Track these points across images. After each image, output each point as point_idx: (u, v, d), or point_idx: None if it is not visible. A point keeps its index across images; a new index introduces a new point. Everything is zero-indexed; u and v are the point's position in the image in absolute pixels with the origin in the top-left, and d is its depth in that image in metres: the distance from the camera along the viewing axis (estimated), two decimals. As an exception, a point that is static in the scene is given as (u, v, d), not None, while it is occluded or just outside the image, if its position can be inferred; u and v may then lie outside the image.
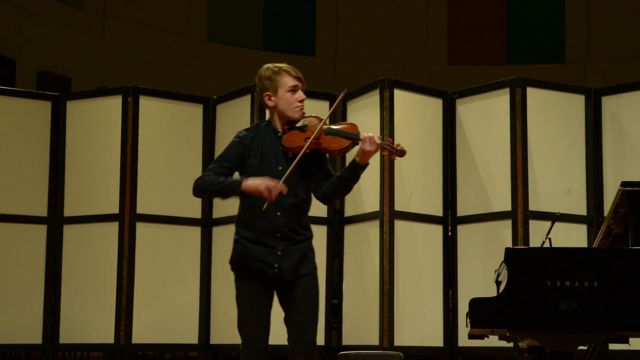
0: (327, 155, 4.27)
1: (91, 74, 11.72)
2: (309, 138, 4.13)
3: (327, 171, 4.26)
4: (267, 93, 4.24)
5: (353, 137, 4.13)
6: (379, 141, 4.09)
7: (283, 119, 4.24)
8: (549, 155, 6.83)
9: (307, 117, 4.25)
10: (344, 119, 7.10)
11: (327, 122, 4.21)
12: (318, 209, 6.97)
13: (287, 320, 4.20)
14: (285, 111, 4.22)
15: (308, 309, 4.20)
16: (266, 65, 4.29)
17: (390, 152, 4.14)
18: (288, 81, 4.23)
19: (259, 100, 4.34)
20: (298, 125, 4.22)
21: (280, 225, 4.15)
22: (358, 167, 4.13)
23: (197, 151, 7.30)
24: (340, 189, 4.18)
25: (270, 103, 4.24)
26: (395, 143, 4.16)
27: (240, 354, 4.19)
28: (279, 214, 4.14)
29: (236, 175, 4.24)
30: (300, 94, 4.23)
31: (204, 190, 4.15)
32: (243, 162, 4.20)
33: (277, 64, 4.28)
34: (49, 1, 11.67)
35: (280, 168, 4.16)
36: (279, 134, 4.23)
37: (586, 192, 6.88)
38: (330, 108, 7.13)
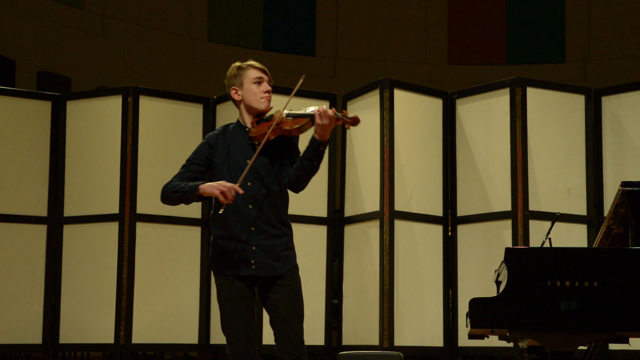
0: (296, 144, 4.26)
1: (91, 74, 11.72)
2: (271, 125, 4.13)
3: (293, 160, 4.22)
4: (233, 87, 4.28)
5: (308, 115, 4.11)
6: (332, 113, 4.06)
7: (251, 112, 4.26)
8: (549, 155, 6.83)
9: (274, 109, 4.27)
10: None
11: (288, 108, 4.19)
12: (318, 209, 7.00)
13: (271, 323, 4.18)
14: (251, 103, 4.24)
15: (291, 310, 4.15)
16: (233, 64, 4.34)
17: (345, 122, 4.10)
18: (252, 73, 4.26)
19: (229, 97, 4.34)
20: (265, 116, 4.24)
21: (253, 219, 4.14)
22: (317, 144, 4.08)
23: (197, 151, 7.29)
24: (304, 170, 4.11)
25: (237, 97, 4.28)
26: (351, 115, 4.14)
27: (227, 354, 4.18)
28: (250, 207, 4.14)
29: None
30: (265, 86, 4.26)
31: (167, 197, 4.21)
32: (211, 161, 4.23)
33: (244, 62, 4.32)
34: (49, 1, 11.67)
35: (248, 161, 4.16)
36: (247, 129, 4.25)
37: (586, 192, 6.89)
38: (330, 108, 7.13)
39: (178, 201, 4.20)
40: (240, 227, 4.14)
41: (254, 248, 4.14)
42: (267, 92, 4.26)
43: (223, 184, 4.04)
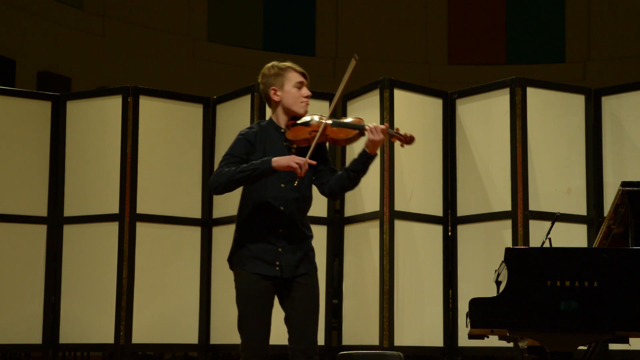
0: (328, 152, 4.28)
1: (91, 74, 11.72)
2: (314, 131, 4.13)
3: (331, 167, 4.28)
4: (273, 87, 4.26)
5: (359, 127, 4.15)
6: (386, 129, 4.10)
7: (288, 114, 4.26)
8: (549, 155, 6.83)
9: (310, 114, 4.27)
10: (344, 119, 7.10)
11: (331, 113, 4.22)
12: (318, 209, 6.99)
13: (287, 321, 4.19)
14: (291, 106, 4.24)
15: (308, 309, 4.19)
16: (270, 64, 4.32)
17: (399, 140, 4.16)
18: (295, 77, 4.26)
19: (263, 97, 4.33)
20: (301, 121, 4.23)
21: (283, 221, 4.14)
22: (368, 157, 4.13)
23: (197, 151, 7.30)
24: (350, 182, 4.17)
25: (276, 98, 4.26)
26: (403, 131, 4.18)
27: (240, 353, 4.18)
28: (282, 208, 4.15)
29: None
30: (305, 90, 4.27)
31: (229, 180, 4.07)
32: (248, 158, 4.19)
33: (282, 62, 4.32)
34: (49, 1, 11.67)
35: None
36: (282, 130, 4.24)
37: (586, 192, 6.89)
38: (330, 107, 7.14)
39: (243, 182, 4.09)
40: (268, 228, 4.14)
41: (280, 249, 4.15)
42: (307, 96, 4.27)
43: (295, 157, 4.03)
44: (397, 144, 4.26)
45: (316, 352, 4.17)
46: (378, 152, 4.21)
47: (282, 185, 4.14)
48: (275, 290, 4.20)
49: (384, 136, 4.10)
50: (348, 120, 4.23)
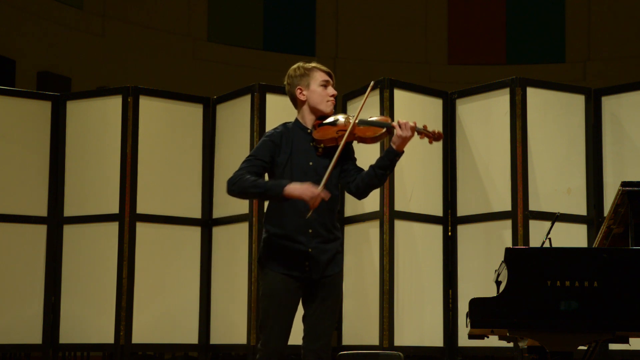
0: (354, 151, 4.29)
1: (91, 74, 11.72)
2: (342, 131, 4.14)
3: (357, 166, 4.27)
4: (299, 87, 4.27)
5: (386, 125, 4.15)
6: (414, 126, 4.09)
7: (314, 114, 4.26)
8: (549, 155, 6.83)
9: (337, 114, 4.28)
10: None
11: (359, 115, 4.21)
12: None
13: (305, 319, 4.18)
14: (318, 105, 4.25)
15: (328, 311, 4.17)
16: (296, 64, 4.34)
17: (427, 137, 4.16)
18: (320, 76, 4.28)
19: (289, 97, 4.33)
20: (328, 120, 4.23)
21: (312, 221, 4.12)
22: (395, 154, 4.13)
23: (197, 151, 7.30)
24: (377, 179, 4.17)
25: (302, 97, 4.27)
26: (430, 129, 4.17)
27: (258, 351, 4.18)
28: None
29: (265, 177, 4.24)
30: (331, 89, 4.29)
31: (243, 191, 4.10)
32: (274, 160, 4.19)
33: (308, 63, 4.34)
34: (49, 1, 11.67)
35: (310, 164, 4.17)
36: (309, 130, 4.24)
37: (586, 192, 6.89)
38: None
39: (255, 197, 4.14)
40: (298, 228, 4.13)
41: (310, 250, 4.14)
42: (332, 95, 4.28)
43: (311, 189, 4.00)
44: (431, 143, 4.24)
45: (328, 355, 4.16)
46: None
47: None
48: (302, 292, 4.19)
49: (413, 133, 4.10)
50: (374, 118, 4.23)
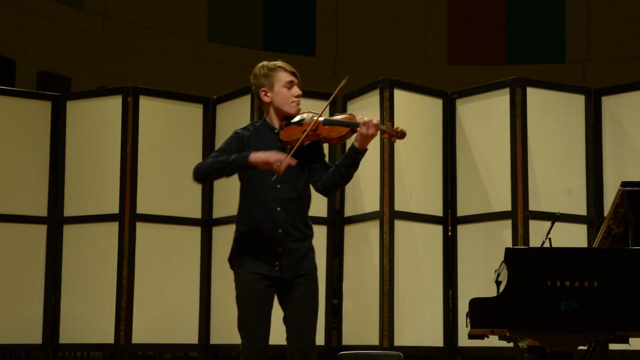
0: (324, 147, 4.26)
1: (91, 74, 11.72)
2: (307, 130, 4.12)
3: (325, 164, 4.24)
4: (263, 89, 4.24)
5: (351, 124, 4.12)
6: (377, 124, 4.07)
7: (279, 115, 4.24)
8: (549, 155, 6.83)
9: (303, 112, 4.25)
10: (344, 119, 7.09)
11: (324, 114, 4.18)
12: (318, 209, 6.99)
13: (286, 320, 4.18)
14: (282, 106, 4.22)
15: (307, 309, 4.18)
16: (261, 63, 4.30)
17: (391, 135, 4.13)
18: (284, 76, 4.24)
19: (256, 98, 4.32)
20: (295, 120, 4.21)
21: (281, 221, 4.12)
22: (357, 152, 4.09)
23: (197, 151, 7.30)
24: (341, 177, 4.14)
25: (266, 99, 4.25)
26: (395, 126, 4.15)
27: (240, 353, 4.18)
28: (279, 209, 4.13)
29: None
30: (296, 90, 4.25)
31: (208, 170, 4.09)
32: None
33: (272, 62, 4.28)
34: (49, 1, 11.67)
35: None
36: (276, 130, 4.22)
37: (586, 192, 6.89)
38: (330, 108, 7.14)
39: (219, 173, 4.09)
40: (267, 228, 4.12)
41: (279, 250, 4.13)
42: (297, 96, 4.24)
43: (276, 155, 3.99)
44: (394, 141, 4.22)
45: (314, 352, 4.16)
46: (376, 144, 4.18)
47: (279, 186, 4.13)
48: (276, 290, 4.19)
49: (376, 131, 4.07)
50: (339, 117, 4.19)
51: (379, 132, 4.10)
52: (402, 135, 4.11)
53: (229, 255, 4.27)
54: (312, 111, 4.25)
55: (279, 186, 4.12)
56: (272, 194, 4.12)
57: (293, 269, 4.16)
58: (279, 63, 4.27)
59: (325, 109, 4.14)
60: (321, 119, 4.14)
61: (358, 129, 4.08)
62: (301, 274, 4.18)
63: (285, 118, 4.23)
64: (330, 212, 7.11)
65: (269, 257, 4.13)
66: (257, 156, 4.02)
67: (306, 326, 4.15)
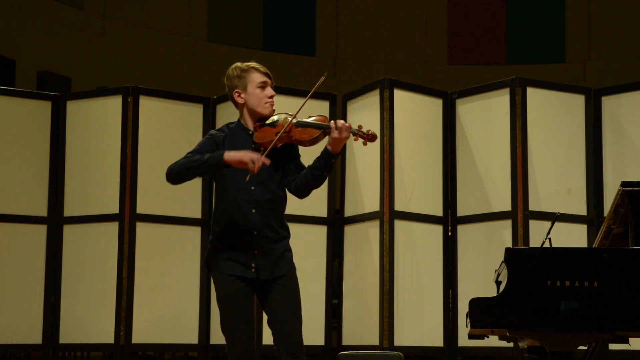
0: (298, 149, 4.26)
1: (91, 74, 11.72)
2: (279, 132, 4.11)
3: (299, 165, 4.23)
4: (236, 90, 4.23)
5: (323, 127, 4.11)
6: (349, 127, 4.06)
7: (253, 116, 4.23)
8: (549, 155, 6.83)
9: (278, 113, 4.24)
10: (344, 119, 7.10)
11: (297, 116, 4.16)
12: (318, 208, 7.00)
13: (270, 323, 4.16)
14: (255, 107, 4.21)
15: (290, 310, 4.14)
16: (234, 65, 4.29)
17: (362, 138, 4.13)
18: (257, 77, 4.22)
19: (230, 99, 4.31)
20: (268, 121, 4.20)
21: (256, 223, 4.11)
22: (330, 156, 4.08)
23: (197, 151, 7.29)
24: (313, 180, 4.12)
25: (240, 100, 4.24)
26: (365, 129, 4.15)
27: (227, 354, 4.17)
28: (254, 211, 4.11)
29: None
30: (269, 90, 4.24)
31: (182, 170, 4.10)
32: None
33: (245, 63, 4.28)
34: (49, 1, 11.67)
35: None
36: (250, 132, 4.22)
37: (586, 192, 6.89)
38: (330, 108, 7.14)
39: (193, 172, 4.10)
40: (242, 230, 4.11)
41: (255, 252, 4.12)
42: (271, 97, 4.23)
43: (250, 154, 3.98)
44: (365, 144, 4.21)
45: (302, 351, 4.14)
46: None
47: (253, 188, 4.11)
48: (254, 292, 4.17)
49: (348, 134, 4.06)
50: (312, 119, 4.18)
51: (351, 135, 4.09)
52: (372, 138, 4.12)
53: (205, 257, 4.25)
54: (286, 112, 4.24)
55: (253, 188, 4.10)
56: (246, 196, 4.11)
57: (270, 270, 4.13)
58: (252, 64, 4.26)
59: (299, 110, 4.12)
60: (294, 120, 4.13)
61: (330, 132, 4.07)
62: (279, 275, 4.15)
63: (260, 119, 4.22)
64: (330, 212, 7.11)
65: (244, 258, 4.11)
66: (231, 155, 4.02)
67: (290, 327, 4.12)
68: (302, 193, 4.19)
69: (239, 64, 4.28)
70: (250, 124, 4.24)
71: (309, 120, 4.18)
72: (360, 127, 4.15)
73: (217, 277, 4.18)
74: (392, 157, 6.72)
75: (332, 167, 4.13)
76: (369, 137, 4.12)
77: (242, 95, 4.23)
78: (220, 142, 4.19)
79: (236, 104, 4.28)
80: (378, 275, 6.66)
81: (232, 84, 4.25)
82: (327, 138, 4.13)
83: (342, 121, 4.08)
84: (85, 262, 7.13)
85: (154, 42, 12.63)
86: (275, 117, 4.21)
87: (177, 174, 4.15)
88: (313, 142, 4.14)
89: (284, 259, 4.19)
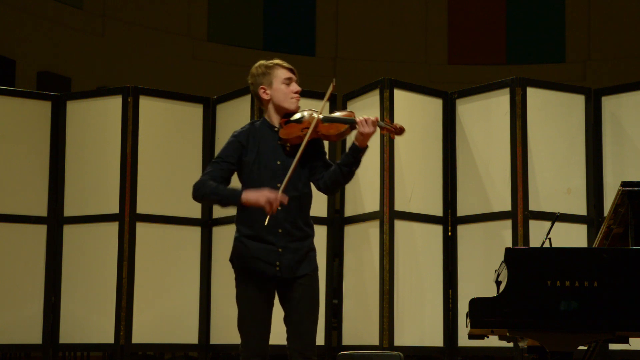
0: (324, 145, 4.26)
1: (91, 74, 11.73)
2: (306, 128, 4.11)
3: (326, 162, 4.24)
4: (262, 87, 4.24)
5: (350, 121, 4.12)
6: (376, 121, 4.07)
7: (279, 112, 4.24)
8: (549, 156, 6.83)
9: (302, 110, 4.25)
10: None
11: (323, 111, 4.18)
12: (318, 208, 6.99)
13: (286, 320, 4.18)
14: (281, 102, 4.22)
15: (308, 310, 4.17)
16: (258, 63, 4.30)
17: (389, 131, 4.14)
18: (282, 73, 4.23)
19: (254, 97, 4.32)
20: (294, 118, 4.21)
21: (281, 220, 4.11)
22: (358, 151, 4.10)
23: (197, 151, 7.30)
24: (342, 176, 4.13)
25: (265, 96, 4.24)
26: (394, 122, 4.16)
27: (240, 353, 4.18)
28: (279, 208, 4.13)
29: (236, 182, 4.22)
30: (295, 86, 4.25)
31: (203, 197, 4.14)
32: (241, 160, 4.19)
33: (269, 60, 4.29)
34: (49, 1, 11.67)
35: (278, 162, 4.14)
36: (275, 129, 4.22)
37: (586, 192, 6.89)
38: (330, 108, 7.14)
39: (214, 203, 4.17)
40: (267, 228, 4.10)
41: (280, 250, 4.12)
42: (297, 92, 4.25)
43: (267, 194, 3.99)
44: (393, 138, 4.23)
45: (314, 352, 4.16)
46: (376, 144, 4.17)
47: (278, 185, 4.12)
48: (276, 290, 4.19)
49: (375, 128, 4.07)
50: (338, 114, 4.19)
51: (378, 128, 4.10)
52: (400, 131, 4.12)
53: (230, 255, 4.26)
54: (312, 109, 4.25)
55: (278, 185, 4.10)
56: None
57: (293, 269, 4.15)
58: (276, 61, 4.28)
59: (323, 106, 4.14)
60: (321, 116, 4.14)
61: (357, 126, 4.08)
62: (302, 274, 4.17)
63: (285, 115, 4.23)
64: (330, 212, 7.11)
65: (269, 256, 4.12)
66: (248, 197, 4.03)
67: (306, 327, 4.15)
68: (330, 190, 4.22)
69: (263, 61, 4.29)
70: (275, 121, 4.24)
71: (335, 115, 4.18)
72: (387, 120, 4.15)
73: (239, 276, 4.19)
74: (392, 157, 6.72)
75: (360, 162, 4.14)
76: (396, 131, 4.13)
77: (268, 92, 4.24)
78: (245, 140, 4.20)
79: (261, 101, 4.28)
80: (378, 275, 6.66)
81: (257, 81, 4.25)
82: (352, 133, 4.14)
83: (367, 116, 4.09)
84: (85, 262, 7.13)
85: (154, 42, 12.64)
86: (301, 114, 4.21)
87: (201, 199, 4.19)
88: (339, 136, 4.15)
89: (308, 259, 4.20)
